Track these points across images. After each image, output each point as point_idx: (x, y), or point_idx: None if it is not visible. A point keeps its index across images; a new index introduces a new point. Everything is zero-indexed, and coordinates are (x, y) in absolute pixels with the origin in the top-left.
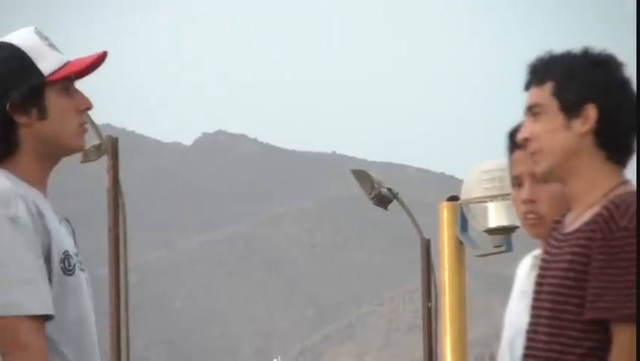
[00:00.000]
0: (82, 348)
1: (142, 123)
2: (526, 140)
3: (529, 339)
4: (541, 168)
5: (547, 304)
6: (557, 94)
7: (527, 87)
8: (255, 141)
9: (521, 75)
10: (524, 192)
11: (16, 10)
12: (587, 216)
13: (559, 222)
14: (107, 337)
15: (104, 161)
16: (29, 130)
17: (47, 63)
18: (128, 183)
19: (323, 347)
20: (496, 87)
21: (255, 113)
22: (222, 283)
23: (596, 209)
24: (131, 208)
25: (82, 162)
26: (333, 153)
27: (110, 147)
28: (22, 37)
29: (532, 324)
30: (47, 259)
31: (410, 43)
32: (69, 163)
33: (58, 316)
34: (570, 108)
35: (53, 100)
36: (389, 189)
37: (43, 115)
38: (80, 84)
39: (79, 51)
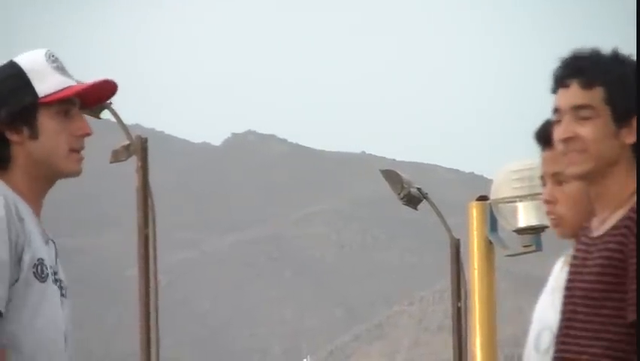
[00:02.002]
0: (52, 354)
1: (171, 123)
2: (568, 139)
3: (561, 342)
4: (580, 169)
5: (581, 308)
6: (610, 102)
7: (566, 83)
8: (284, 141)
9: (550, 74)
10: (544, 193)
11: (39, 9)
12: (615, 219)
13: (586, 227)
14: (137, 337)
15: (133, 161)
16: (21, 148)
17: (46, 85)
18: (157, 183)
19: (353, 346)
20: (527, 87)
21: (285, 114)
22: (251, 284)
23: (622, 212)
24: (160, 209)
25: (111, 163)
26: (363, 153)
27: (139, 147)
28: (28, 58)
29: (563, 328)
30: (19, 259)
31: (442, 45)
32: (98, 164)
33: (29, 317)
34: (622, 118)
35: (46, 121)
36: (418, 189)
37: (34, 134)
38: None
39: (109, 49)
